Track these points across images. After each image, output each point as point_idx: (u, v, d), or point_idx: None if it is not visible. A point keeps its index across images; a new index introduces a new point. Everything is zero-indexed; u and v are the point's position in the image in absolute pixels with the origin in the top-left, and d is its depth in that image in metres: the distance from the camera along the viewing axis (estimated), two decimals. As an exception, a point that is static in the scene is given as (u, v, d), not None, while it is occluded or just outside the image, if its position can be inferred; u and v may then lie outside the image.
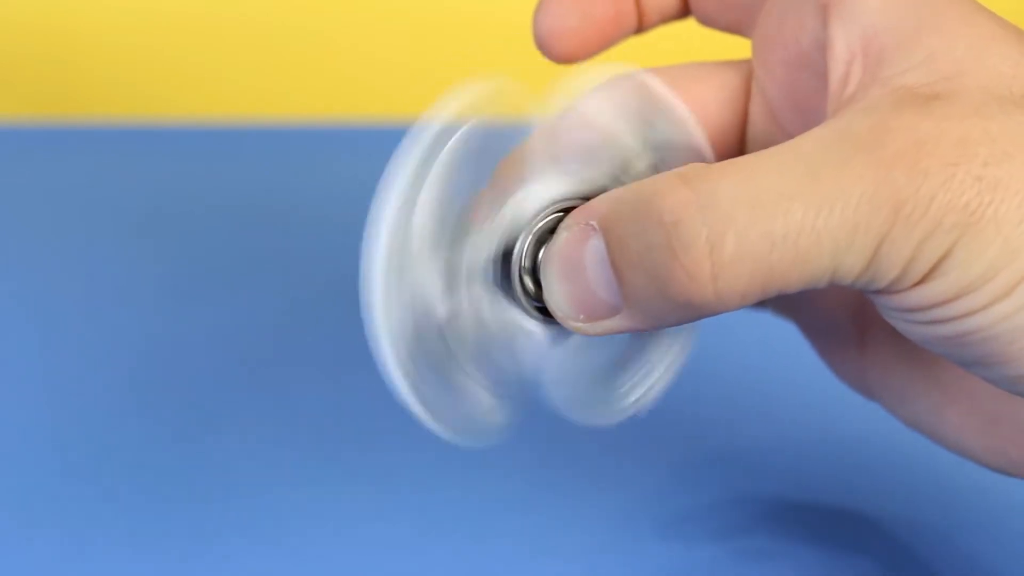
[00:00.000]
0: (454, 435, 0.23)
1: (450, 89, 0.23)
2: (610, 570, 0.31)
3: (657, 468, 0.35)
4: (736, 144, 0.27)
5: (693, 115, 0.25)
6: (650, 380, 0.26)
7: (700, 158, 0.25)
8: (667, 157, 0.25)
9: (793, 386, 0.39)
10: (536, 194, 0.23)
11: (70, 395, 0.38)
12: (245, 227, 0.51)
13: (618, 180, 0.24)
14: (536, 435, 0.36)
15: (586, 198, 0.23)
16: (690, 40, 0.34)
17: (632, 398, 0.25)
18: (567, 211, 0.23)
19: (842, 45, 0.23)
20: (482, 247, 0.23)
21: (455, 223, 0.23)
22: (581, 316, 0.22)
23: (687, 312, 0.21)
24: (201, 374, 0.39)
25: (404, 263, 0.22)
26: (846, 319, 0.28)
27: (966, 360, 0.22)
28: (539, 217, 0.23)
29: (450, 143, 0.22)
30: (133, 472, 0.34)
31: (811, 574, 0.31)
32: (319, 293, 0.44)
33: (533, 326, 0.24)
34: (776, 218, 0.20)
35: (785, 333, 0.31)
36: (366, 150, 0.58)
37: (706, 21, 0.28)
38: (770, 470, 0.35)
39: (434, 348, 0.23)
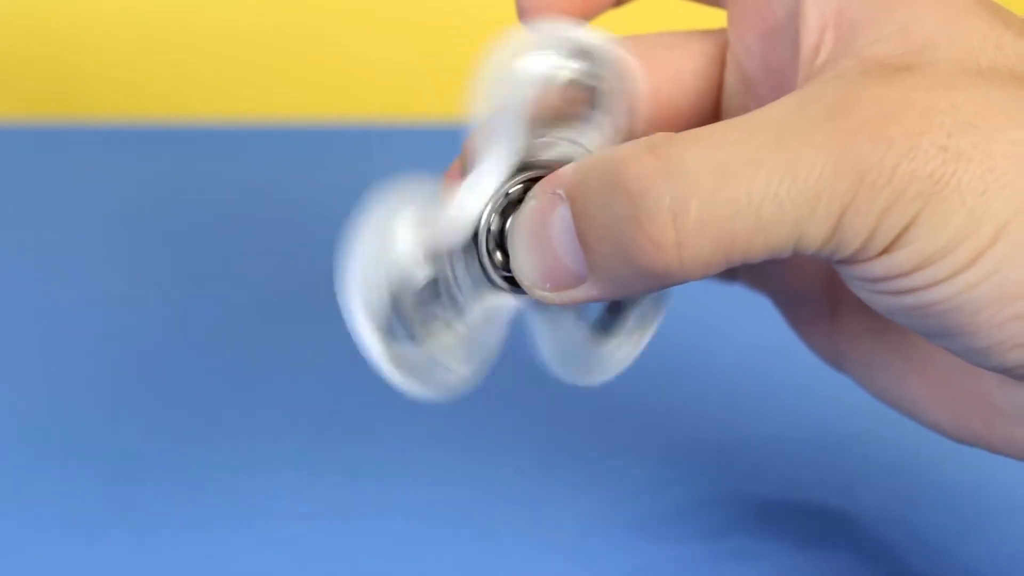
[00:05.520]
0: (420, 390, 0.23)
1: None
2: (598, 565, 0.31)
3: (647, 465, 0.35)
4: (711, 113, 0.27)
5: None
6: (634, 337, 0.26)
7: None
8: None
9: (787, 385, 0.39)
10: (502, 163, 0.24)
11: (70, 392, 0.38)
12: (245, 226, 0.51)
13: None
14: (526, 431, 0.36)
15: (553, 168, 0.23)
16: (667, 12, 0.34)
17: (618, 355, 0.25)
18: (535, 181, 0.23)
19: (815, 15, 0.23)
20: (455, 218, 0.23)
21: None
22: (547, 285, 0.22)
23: (652, 281, 0.21)
24: (202, 370, 0.39)
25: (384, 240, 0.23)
26: (817, 290, 0.28)
27: (931, 331, 0.21)
28: (506, 187, 0.23)
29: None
30: (134, 468, 0.34)
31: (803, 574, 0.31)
32: (319, 291, 0.44)
33: (502, 297, 0.24)
34: (740, 185, 0.20)
35: (780, 332, 0.31)
36: (366, 150, 0.58)
37: None
38: (761, 469, 0.35)
39: (410, 313, 0.23)
